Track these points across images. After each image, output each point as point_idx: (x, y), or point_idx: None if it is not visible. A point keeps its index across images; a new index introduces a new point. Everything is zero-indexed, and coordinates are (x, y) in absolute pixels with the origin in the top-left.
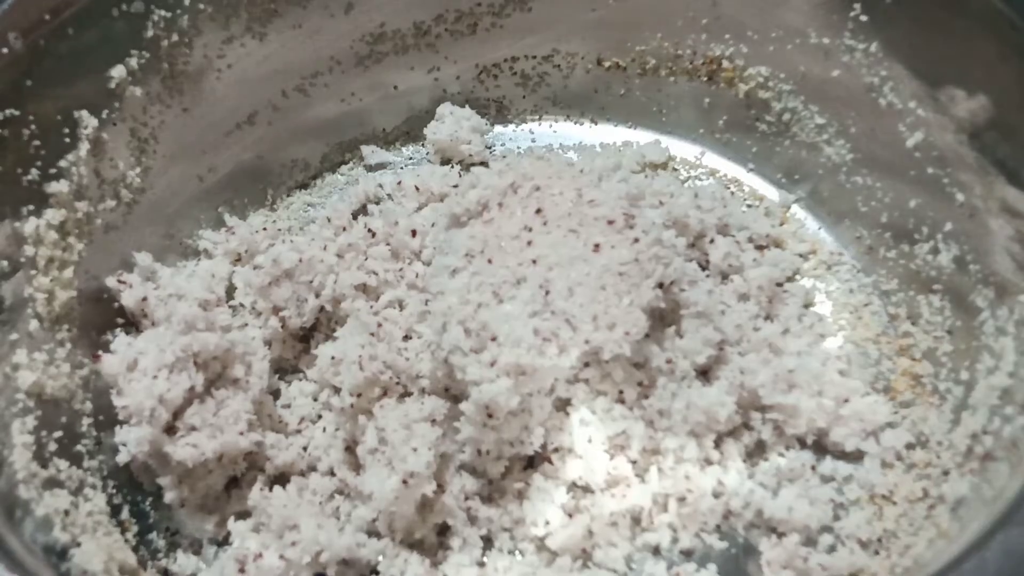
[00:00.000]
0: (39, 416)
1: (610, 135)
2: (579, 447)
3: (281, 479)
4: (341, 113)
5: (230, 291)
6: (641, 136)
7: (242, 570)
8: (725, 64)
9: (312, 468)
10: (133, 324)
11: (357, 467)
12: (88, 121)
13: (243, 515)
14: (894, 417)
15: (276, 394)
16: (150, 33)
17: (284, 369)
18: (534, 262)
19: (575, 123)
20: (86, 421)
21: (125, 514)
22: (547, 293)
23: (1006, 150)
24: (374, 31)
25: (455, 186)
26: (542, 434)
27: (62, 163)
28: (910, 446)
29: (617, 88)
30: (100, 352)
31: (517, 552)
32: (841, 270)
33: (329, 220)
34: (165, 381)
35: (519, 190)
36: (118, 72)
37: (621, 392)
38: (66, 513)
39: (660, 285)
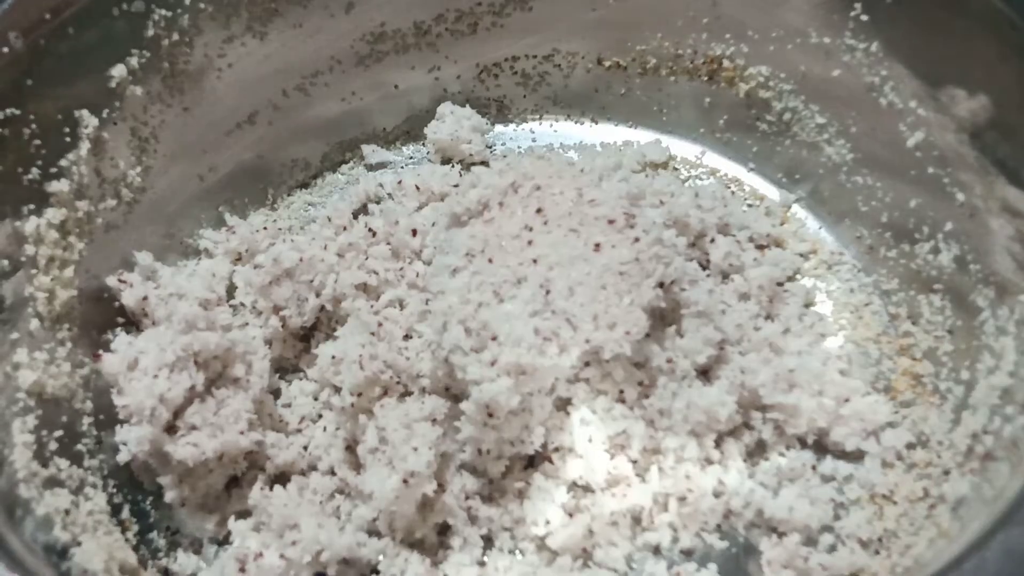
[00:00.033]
0: (40, 415)
1: (611, 134)
2: (579, 447)
3: (281, 478)
4: (342, 112)
5: (231, 290)
6: (642, 135)
7: (242, 569)
8: (726, 64)
9: (312, 467)
10: (134, 323)
11: (358, 466)
12: (89, 120)
13: (243, 514)
14: (894, 417)
15: (277, 393)
16: (151, 32)
17: (284, 368)
18: (535, 261)
19: (576, 123)
20: (87, 420)
21: (125, 513)
22: (547, 293)
23: (1006, 150)
24: (374, 30)
25: (456, 185)
26: (542, 434)
27: (63, 162)
28: (910, 446)
29: (618, 88)
30: (101, 351)
31: (517, 552)
32: (842, 270)
33: (330, 219)
34: (165, 380)
35: (520, 189)
36: (119, 71)
37: (621, 392)
38: (66, 512)
39: (661, 285)
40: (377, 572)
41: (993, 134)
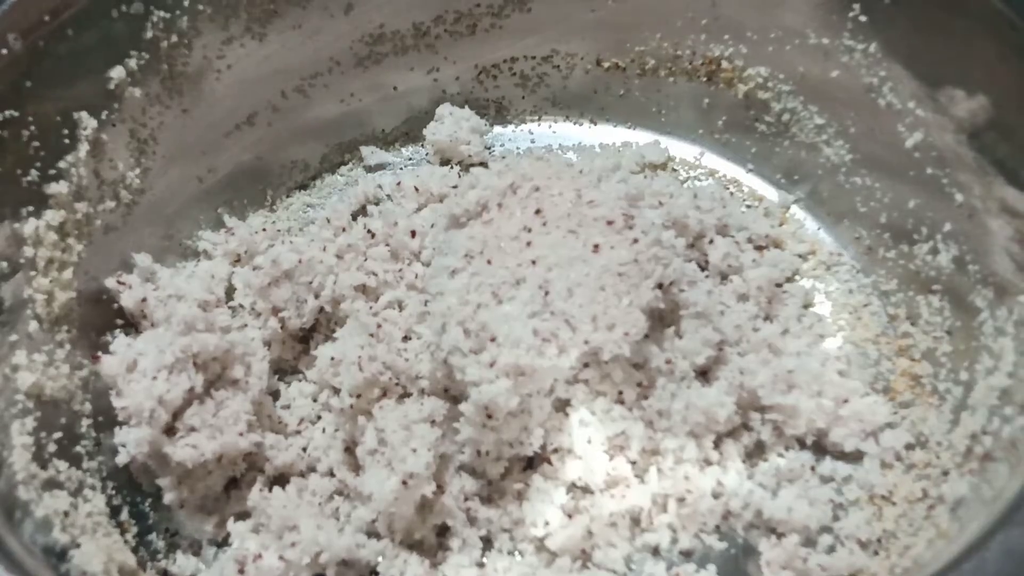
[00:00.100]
0: (38, 417)
1: (609, 135)
2: (579, 448)
3: (280, 480)
4: (340, 114)
5: (229, 292)
6: (640, 136)
7: (241, 571)
8: (724, 64)
9: (312, 469)
10: (132, 325)
11: (357, 468)
12: (87, 122)
13: (243, 516)
14: (893, 417)
15: (276, 395)
16: (149, 34)
17: (284, 370)
18: (533, 263)
19: (574, 123)
20: (85, 422)
21: (125, 515)
22: (546, 294)
23: (1005, 150)
24: (373, 32)
25: (454, 187)
26: (542, 435)
27: (62, 164)
28: (909, 446)
29: (616, 88)
30: (99, 353)
31: (517, 553)
32: (840, 270)
33: (328, 221)
34: (164, 382)
35: (518, 191)
36: (117, 73)
37: (620, 393)
38: (65, 514)
39: (659, 285)
40: (376, 573)
41: (992, 134)
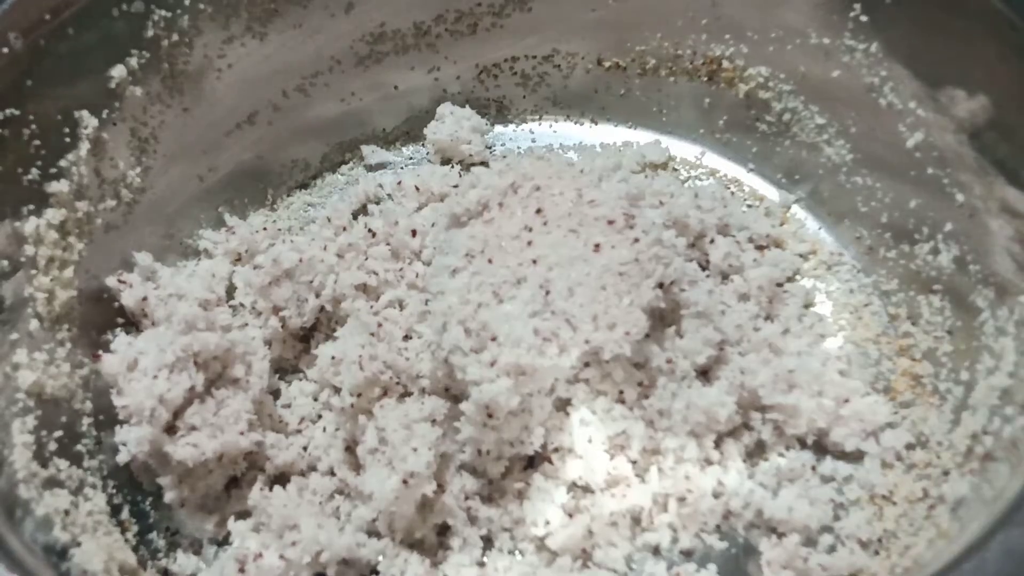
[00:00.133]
0: (39, 416)
1: (610, 135)
2: (579, 447)
3: (281, 479)
4: (341, 113)
5: (230, 291)
6: (641, 136)
7: (242, 570)
8: (725, 64)
9: (312, 468)
10: (133, 324)
11: (357, 467)
12: (88, 121)
13: (243, 515)
14: (894, 417)
15: (276, 394)
16: (150, 33)
17: (284, 369)
18: (534, 262)
19: (575, 123)
20: (86, 421)
21: (125, 514)
22: (547, 293)
23: (1006, 150)
24: (374, 31)
25: (455, 186)
26: (542, 434)
27: (62, 163)
28: (910, 446)
29: (617, 88)
30: (100, 352)
31: (517, 552)
32: (841, 270)
33: (329, 220)
34: (165, 381)
35: (519, 190)
36: (118, 72)
37: (621, 392)
38: (66, 513)
39: (660, 285)
40: (376, 573)
41: (992, 135)
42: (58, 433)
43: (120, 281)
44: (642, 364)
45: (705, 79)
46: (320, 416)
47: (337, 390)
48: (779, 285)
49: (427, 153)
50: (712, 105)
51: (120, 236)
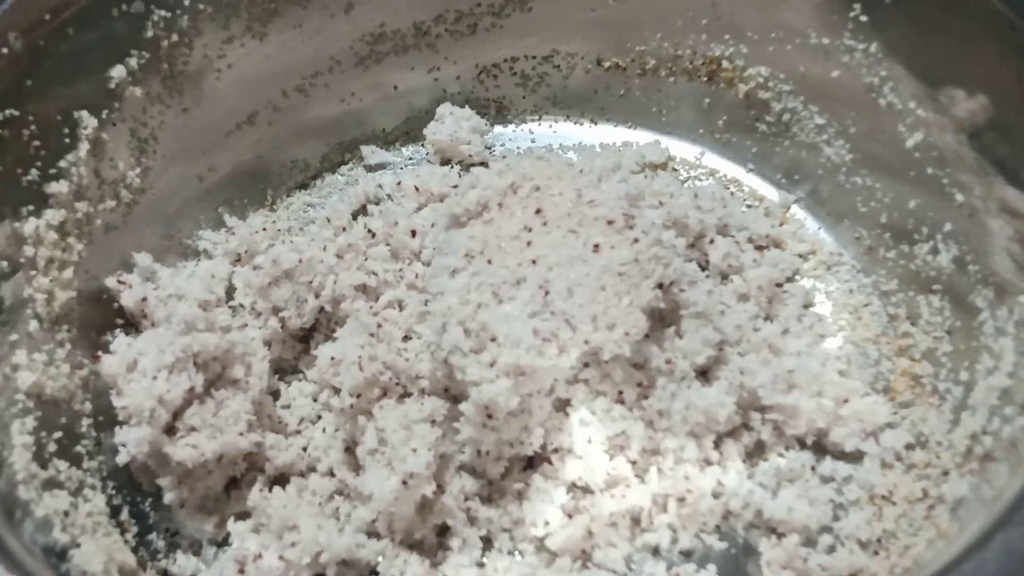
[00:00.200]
0: (39, 417)
1: (610, 135)
2: (579, 447)
3: (281, 480)
4: (341, 113)
5: (230, 292)
6: (641, 136)
7: (242, 571)
8: (725, 64)
9: (312, 469)
10: (133, 324)
11: (357, 468)
12: (88, 121)
13: (243, 516)
14: (894, 417)
15: (276, 395)
16: (150, 33)
17: (284, 370)
18: (534, 262)
19: (575, 123)
20: (86, 422)
21: (125, 515)
22: (547, 293)
23: (1006, 150)
24: (374, 31)
25: (455, 186)
26: (542, 434)
27: (62, 163)
28: (910, 446)
29: (617, 88)
30: (100, 352)
31: (517, 553)
32: (841, 270)
33: (329, 220)
34: (165, 382)
35: (519, 190)
36: (118, 72)
37: (621, 392)
38: (66, 514)
39: (660, 285)
40: (376, 573)
41: (992, 135)
42: (57, 434)
43: (120, 282)
44: (641, 364)
45: (705, 79)
46: (320, 417)
47: (337, 391)
48: (779, 285)
49: (427, 153)
50: (712, 105)
51: (120, 237)
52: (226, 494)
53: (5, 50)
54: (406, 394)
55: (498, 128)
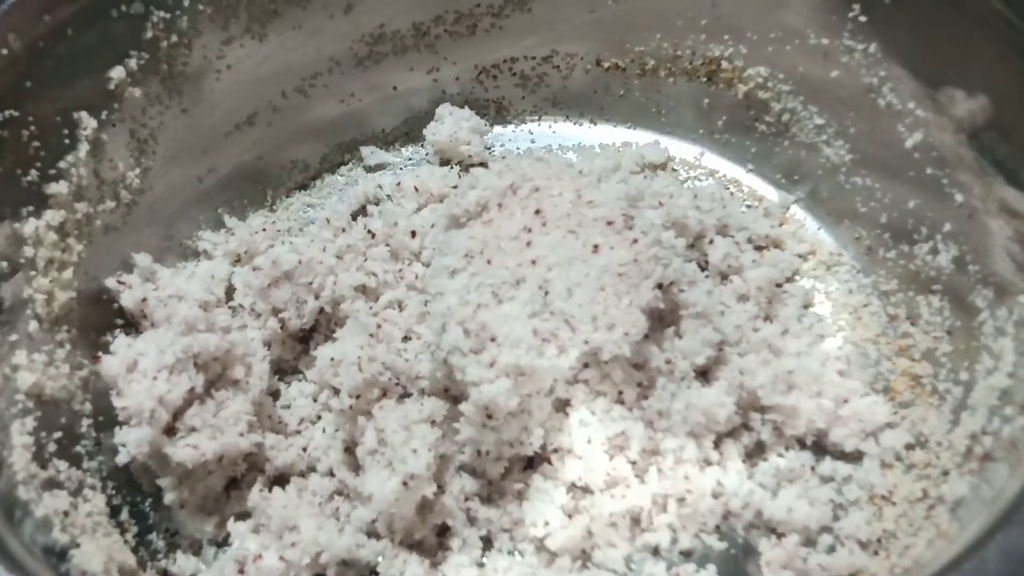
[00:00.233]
0: (38, 417)
1: (609, 136)
2: (578, 448)
3: (281, 480)
4: (340, 114)
5: (230, 292)
6: (640, 137)
7: (242, 571)
8: (724, 65)
9: (312, 469)
10: (133, 325)
11: (357, 468)
12: (87, 122)
13: (243, 516)
14: (893, 417)
15: (276, 395)
16: (149, 34)
17: (284, 370)
18: (533, 263)
19: (574, 124)
20: (86, 422)
21: (125, 515)
22: (546, 294)
23: (1005, 150)
24: (373, 32)
25: (454, 187)
26: (542, 435)
27: (61, 164)
28: (909, 446)
29: (616, 89)
30: (100, 353)
31: (517, 553)
32: (840, 271)
33: (328, 221)
34: (165, 382)
35: (518, 191)
36: (117, 73)
37: (620, 393)
38: (65, 514)
39: (659, 286)
40: (376, 573)
41: (992, 135)
42: (57, 434)
43: (119, 282)
44: (641, 365)
45: (704, 79)
46: (319, 417)
47: (336, 391)
48: (778, 285)
49: (426, 154)
50: (711, 105)
51: (119, 237)
52: (226, 494)
53: (5, 50)
54: (406, 394)
55: (498, 128)
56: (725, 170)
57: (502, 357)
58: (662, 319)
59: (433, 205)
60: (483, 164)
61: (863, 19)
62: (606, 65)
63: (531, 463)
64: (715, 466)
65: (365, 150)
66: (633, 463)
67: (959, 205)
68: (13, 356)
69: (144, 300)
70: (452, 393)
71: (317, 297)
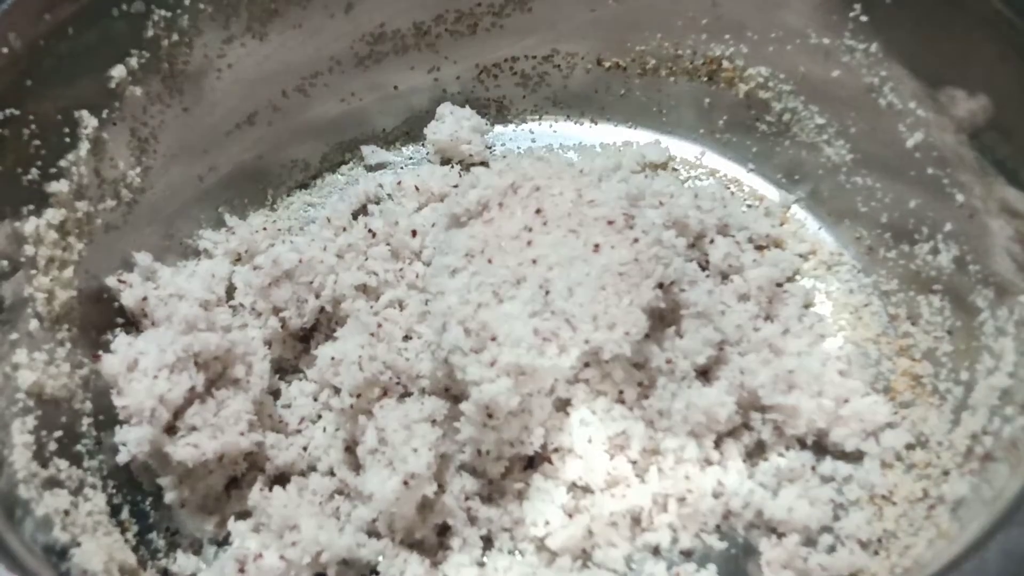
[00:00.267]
0: (39, 416)
1: (610, 135)
2: (579, 447)
3: (281, 479)
4: (341, 113)
5: (230, 291)
6: (641, 136)
7: (242, 570)
8: (725, 64)
9: (312, 468)
10: (133, 324)
11: (357, 467)
12: (88, 121)
13: (243, 515)
14: (894, 417)
15: (276, 394)
16: (150, 33)
17: (284, 369)
18: (534, 262)
19: (575, 123)
20: (86, 421)
21: (125, 514)
22: (547, 293)
23: (1006, 150)
24: (374, 31)
25: (455, 186)
26: (542, 434)
27: (62, 163)
28: (910, 446)
29: (617, 88)
30: (100, 352)
31: (517, 552)
32: (841, 270)
33: (329, 220)
34: (166, 381)
35: (519, 190)
36: (118, 72)
37: (621, 392)
38: (66, 513)
39: (660, 285)
40: (376, 573)
41: (992, 135)
42: (58, 433)
43: (120, 281)
44: (642, 364)
45: (705, 79)
46: (320, 416)
47: (337, 390)
48: (779, 285)
49: (427, 153)
50: (712, 105)
51: (120, 236)
52: (226, 493)
53: (6, 49)
54: (406, 394)
55: (498, 128)
56: (726, 170)
57: (503, 356)
58: (663, 319)
59: (434, 204)
60: (484, 163)
61: (864, 19)
62: (607, 64)
63: (531, 463)
64: (715, 466)
65: (366, 149)
66: (633, 463)
67: (960, 205)
68: (14, 355)
69: (145, 299)
70: (453, 392)
71: (318, 296)
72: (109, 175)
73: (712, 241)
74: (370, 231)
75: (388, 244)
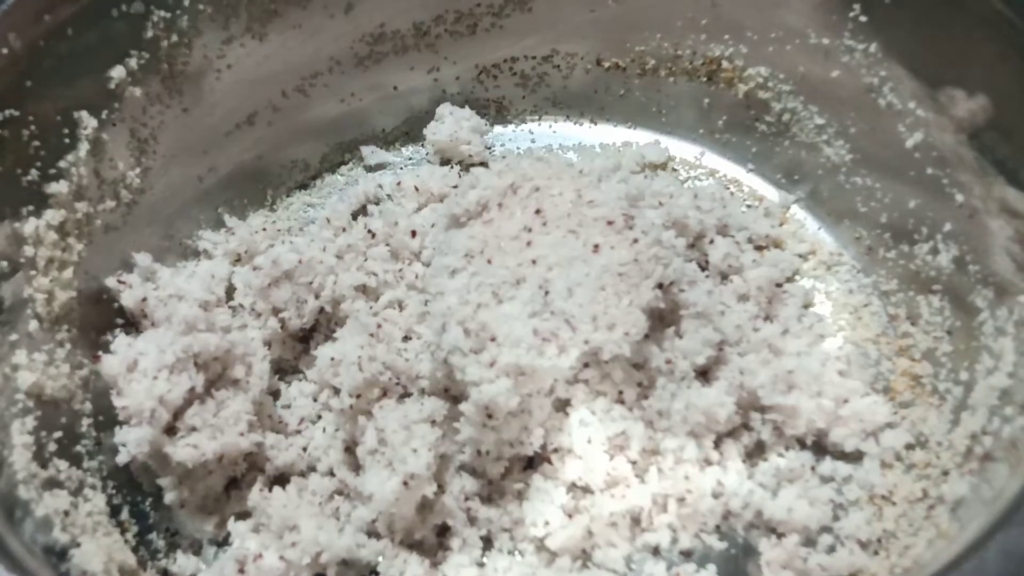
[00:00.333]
0: (39, 417)
1: (610, 135)
2: (579, 447)
3: (281, 480)
4: (341, 113)
5: (230, 292)
6: (641, 136)
7: (242, 571)
8: (725, 64)
9: (312, 469)
10: (133, 324)
11: (357, 468)
12: (88, 121)
13: (243, 516)
14: (894, 417)
15: (276, 395)
16: (150, 33)
17: (284, 370)
18: (534, 262)
19: (575, 123)
20: (86, 422)
21: (125, 515)
22: (547, 293)
23: (1005, 150)
24: (374, 31)
25: (455, 186)
26: (542, 434)
27: (62, 163)
28: (910, 446)
29: (617, 88)
30: (100, 352)
31: (517, 552)
32: (841, 270)
33: (329, 221)
34: (165, 382)
35: (519, 191)
36: (118, 72)
37: (621, 392)
38: (66, 514)
39: (660, 285)
40: (376, 573)
41: (992, 135)
42: (58, 434)
43: (120, 282)
44: (641, 364)
45: (704, 79)
46: (320, 417)
47: (337, 391)
48: (778, 285)
49: (427, 153)
50: (711, 105)
51: (119, 237)
52: (226, 494)
53: (5, 50)
54: (406, 394)
55: (498, 128)
56: (725, 170)
57: (502, 357)
58: (662, 319)
59: (433, 205)
60: (483, 164)
61: (863, 19)
62: (606, 65)
63: (531, 463)
64: (715, 466)
65: (365, 150)
66: (633, 463)
67: (959, 205)
68: (13, 355)
69: (144, 300)
70: (452, 393)
71: (317, 297)
72: (109, 176)
73: (712, 241)
74: (370, 232)
75: (388, 245)
